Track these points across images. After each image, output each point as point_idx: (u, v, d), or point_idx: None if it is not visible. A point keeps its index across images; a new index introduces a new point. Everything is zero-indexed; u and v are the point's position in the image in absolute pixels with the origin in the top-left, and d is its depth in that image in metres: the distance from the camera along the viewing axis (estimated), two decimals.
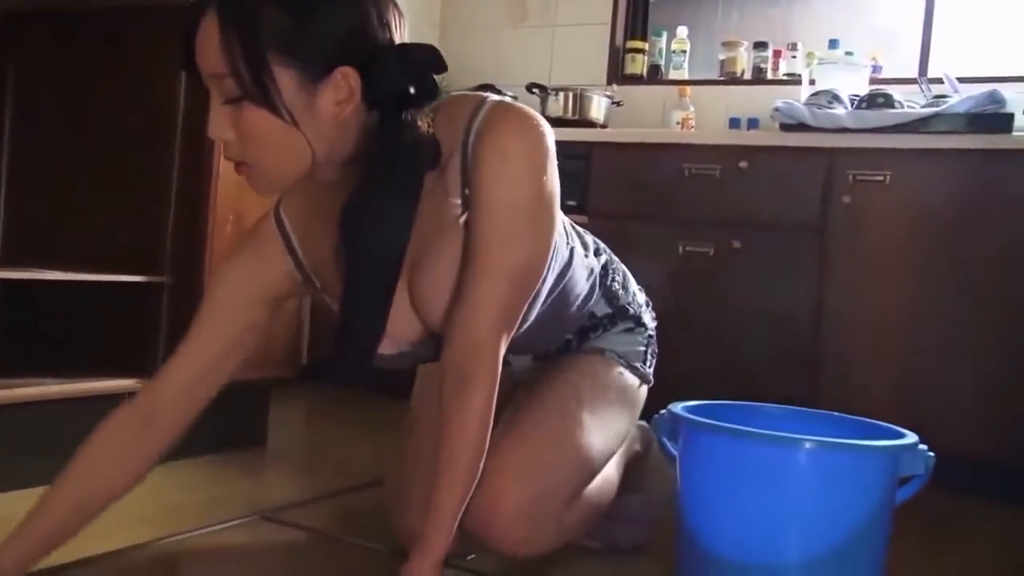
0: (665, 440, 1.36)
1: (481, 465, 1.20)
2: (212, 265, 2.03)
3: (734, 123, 3.25)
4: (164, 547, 1.50)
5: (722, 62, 3.40)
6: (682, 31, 3.45)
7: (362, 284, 1.13)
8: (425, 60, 1.11)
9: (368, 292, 1.14)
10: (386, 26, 1.10)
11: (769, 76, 3.31)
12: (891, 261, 2.49)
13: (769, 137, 2.78)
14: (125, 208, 2.09)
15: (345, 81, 1.07)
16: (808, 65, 3.17)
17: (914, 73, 3.06)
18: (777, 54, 3.31)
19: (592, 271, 1.46)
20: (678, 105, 3.30)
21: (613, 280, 1.53)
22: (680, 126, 3.23)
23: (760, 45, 3.34)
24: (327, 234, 1.20)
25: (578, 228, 1.49)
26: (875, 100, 2.59)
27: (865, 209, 2.52)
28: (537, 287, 1.26)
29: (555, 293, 1.34)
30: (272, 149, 1.08)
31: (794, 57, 3.28)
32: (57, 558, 1.25)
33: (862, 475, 1.15)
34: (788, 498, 1.15)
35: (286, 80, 1.05)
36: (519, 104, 1.22)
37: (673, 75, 3.47)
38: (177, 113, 2.03)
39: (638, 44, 3.53)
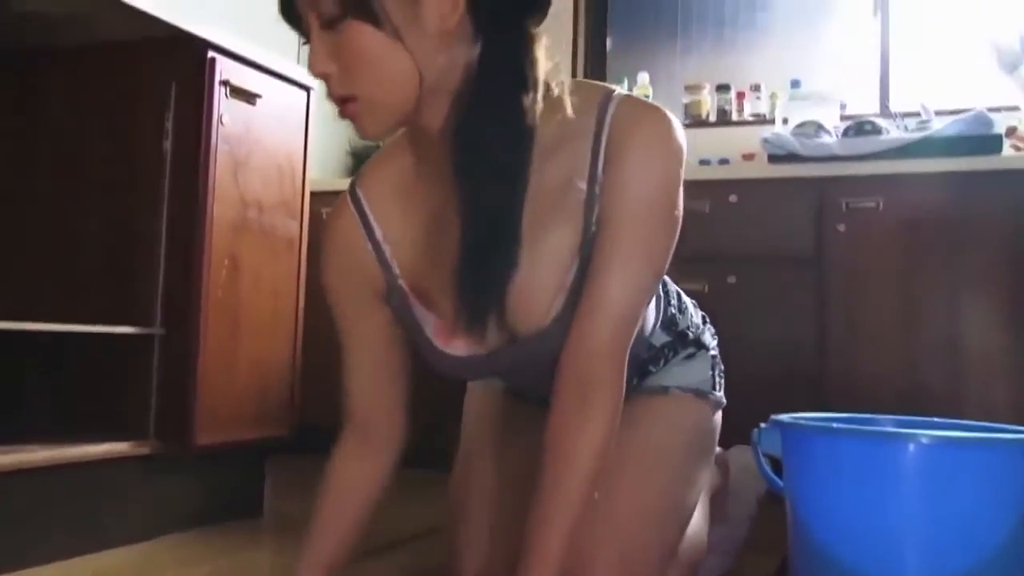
0: (762, 457, 1.26)
1: (595, 494, 1.06)
2: (208, 314, 1.87)
3: (704, 164, 3.23)
4: None
5: (686, 106, 3.40)
6: (643, 77, 3.45)
7: (485, 215, 1.03)
8: None
9: (494, 223, 1.03)
10: None
11: (734, 118, 3.33)
12: (889, 284, 2.49)
13: (759, 170, 2.76)
14: (112, 256, 1.91)
15: None
16: (773, 106, 3.20)
17: (875, 110, 3.10)
18: (741, 96, 3.34)
19: (656, 295, 1.34)
20: None
21: (668, 304, 1.40)
22: None
23: (723, 88, 3.36)
24: (413, 209, 1.13)
25: None
26: (863, 128, 2.60)
27: (860, 236, 2.51)
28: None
29: None
30: (377, 71, 0.97)
31: (758, 98, 3.31)
32: None
33: (1013, 473, 1.06)
34: (937, 503, 1.05)
35: None
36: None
37: None
38: (165, 155, 1.88)
39: None
